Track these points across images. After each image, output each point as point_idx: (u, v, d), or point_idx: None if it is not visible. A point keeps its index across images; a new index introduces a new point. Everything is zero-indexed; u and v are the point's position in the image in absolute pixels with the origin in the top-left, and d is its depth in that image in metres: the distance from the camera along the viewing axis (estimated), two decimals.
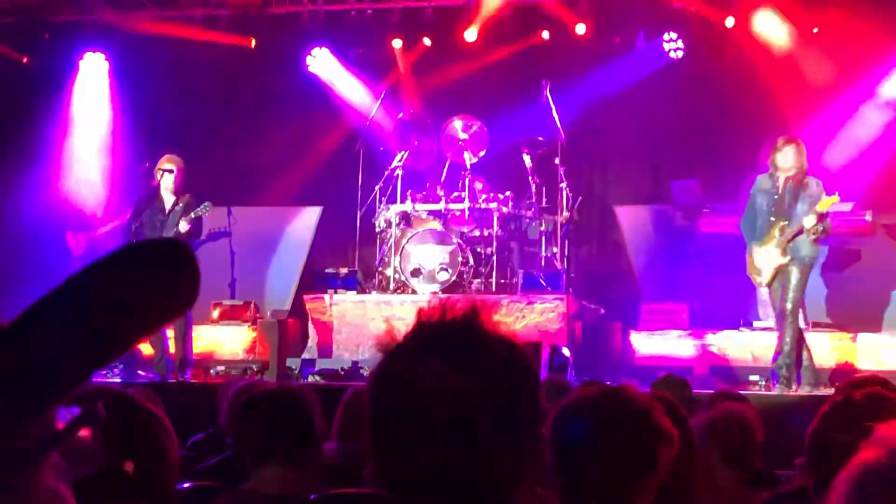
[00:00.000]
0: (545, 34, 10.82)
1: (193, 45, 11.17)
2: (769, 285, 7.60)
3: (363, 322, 9.22)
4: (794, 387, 7.38)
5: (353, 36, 11.25)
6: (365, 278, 9.80)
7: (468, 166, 9.77)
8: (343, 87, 11.36)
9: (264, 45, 11.28)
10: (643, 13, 10.57)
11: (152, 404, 2.24)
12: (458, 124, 10.06)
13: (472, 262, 9.35)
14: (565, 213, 9.41)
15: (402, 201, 9.64)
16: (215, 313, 9.99)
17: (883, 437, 1.34)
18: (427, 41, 11.15)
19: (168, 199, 8.64)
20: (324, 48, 11.19)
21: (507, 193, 9.61)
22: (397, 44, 11.15)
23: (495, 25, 10.77)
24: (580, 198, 9.68)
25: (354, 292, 9.43)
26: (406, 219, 9.62)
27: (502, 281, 9.45)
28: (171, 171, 8.60)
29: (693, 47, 10.56)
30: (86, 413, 1.08)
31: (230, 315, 9.98)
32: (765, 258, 7.54)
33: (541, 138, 9.83)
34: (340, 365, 8.69)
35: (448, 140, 10.10)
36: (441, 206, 9.50)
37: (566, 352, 7.94)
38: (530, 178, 9.75)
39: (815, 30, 10.18)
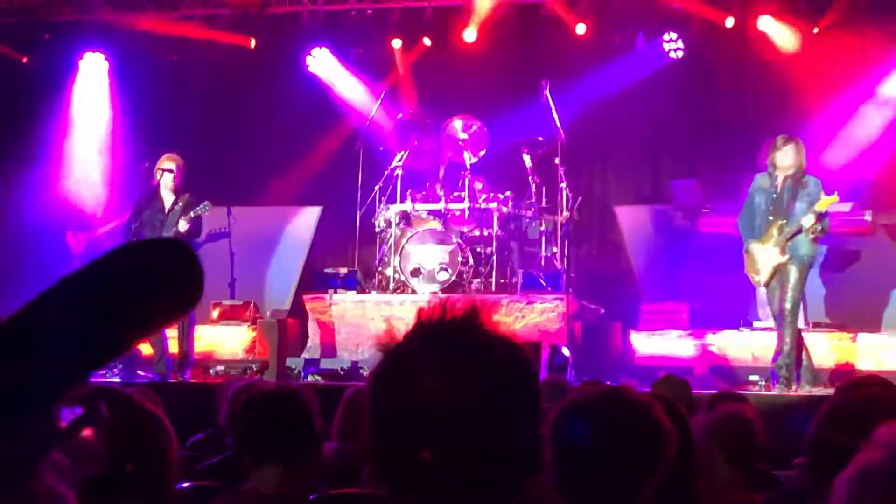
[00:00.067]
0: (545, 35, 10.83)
1: (193, 44, 11.18)
2: (767, 285, 7.59)
3: (363, 322, 9.22)
4: (794, 387, 7.38)
5: (353, 36, 11.25)
6: (365, 278, 9.80)
7: (468, 166, 9.77)
8: (343, 88, 11.36)
9: (264, 45, 11.29)
10: (643, 13, 10.57)
11: (152, 404, 2.24)
12: (458, 124, 10.06)
13: (471, 262, 9.35)
14: (565, 213, 9.41)
15: (402, 201, 9.64)
16: (215, 313, 9.99)
17: (883, 438, 1.34)
18: (427, 41, 11.15)
19: (168, 198, 8.63)
20: (324, 48, 11.19)
21: (507, 193, 9.61)
22: (397, 44, 11.15)
23: (495, 25, 10.77)
24: (580, 198, 9.68)
25: (354, 292, 9.43)
26: (406, 219, 9.62)
27: (502, 281, 9.45)
28: (170, 171, 8.59)
29: (693, 47, 10.56)
30: (89, 413, 1.08)
31: (230, 315, 9.98)
32: (763, 257, 7.53)
33: (541, 138, 9.83)
34: (340, 365, 8.69)
35: (448, 140, 10.10)
36: (441, 205, 9.50)
37: (566, 352, 7.94)
38: (530, 178, 9.75)
39: (816, 30, 10.18)
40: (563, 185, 9.46)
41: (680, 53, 10.55)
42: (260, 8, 11.04)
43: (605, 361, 8.73)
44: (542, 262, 9.53)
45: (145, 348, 8.50)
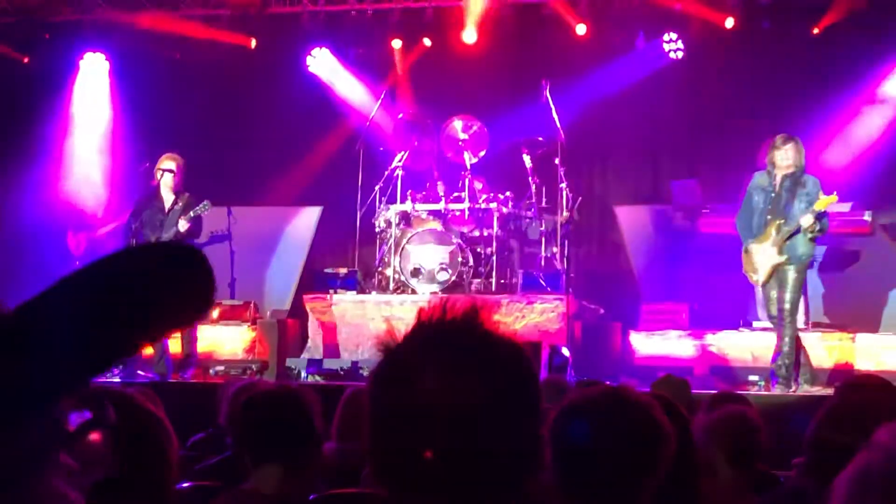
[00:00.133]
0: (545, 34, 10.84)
1: (193, 44, 11.17)
2: (764, 284, 7.59)
3: (363, 322, 9.22)
4: (793, 387, 7.37)
5: (353, 36, 11.25)
6: (365, 278, 9.80)
7: (468, 166, 9.77)
8: (343, 88, 11.36)
9: (264, 45, 11.29)
10: (643, 13, 10.57)
11: (152, 404, 2.24)
12: (458, 124, 10.06)
13: (471, 262, 9.35)
14: (565, 213, 9.41)
15: (402, 201, 9.64)
16: (215, 313, 9.98)
17: (882, 439, 1.34)
18: (427, 41, 11.15)
19: (168, 197, 8.63)
20: (324, 48, 11.20)
21: (507, 193, 9.61)
22: (397, 44, 11.16)
23: (495, 26, 10.77)
24: (580, 198, 9.68)
25: (354, 292, 9.43)
26: (406, 219, 9.62)
27: (502, 281, 9.45)
28: (170, 171, 8.59)
29: (693, 47, 10.56)
30: (97, 416, 1.08)
31: (230, 315, 9.98)
32: (761, 257, 7.52)
33: (541, 138, 9.83)
34: (340, 365, 8.69)
35: (448, 140, 10.10)
36: (441, 206, 9.50)
37: (566, 352, 7.94)
38: (530, 178, 9.75)
39: (816, 30, 10.18)
40: (563, 185, 9.46)
41: (680, 54, 10.56)
42: (260, 8, 11.04)
43: (604, 361, 8.74)
44: (542, 263, 9.53)
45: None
